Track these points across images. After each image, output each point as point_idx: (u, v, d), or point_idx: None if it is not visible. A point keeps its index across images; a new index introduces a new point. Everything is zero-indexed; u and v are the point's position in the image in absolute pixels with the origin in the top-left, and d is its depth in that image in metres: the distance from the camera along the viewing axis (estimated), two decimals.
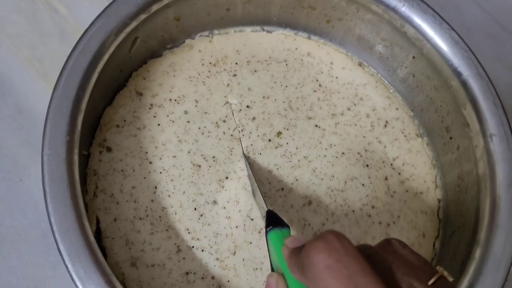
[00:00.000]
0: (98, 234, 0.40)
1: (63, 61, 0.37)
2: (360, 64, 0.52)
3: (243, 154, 0.44)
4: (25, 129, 0.46)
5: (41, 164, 0.34)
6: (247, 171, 0.43)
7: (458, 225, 0.43)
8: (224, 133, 0.45)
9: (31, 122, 0.46)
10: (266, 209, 0.37)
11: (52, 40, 0.49)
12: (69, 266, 0.32)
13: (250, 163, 0.43)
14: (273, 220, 0.35)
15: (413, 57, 0.48)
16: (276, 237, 0.33)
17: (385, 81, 0.51)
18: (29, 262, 0.42)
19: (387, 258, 0.28)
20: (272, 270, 0.33)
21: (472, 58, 0.43)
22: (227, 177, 0.43)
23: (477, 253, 0.38)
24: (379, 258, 0.28)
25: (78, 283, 0.32)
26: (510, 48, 0.59)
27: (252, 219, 0.42)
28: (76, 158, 0.35)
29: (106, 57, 0.39)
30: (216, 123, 0.45)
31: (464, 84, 0.43)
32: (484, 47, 0.57)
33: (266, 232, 0.34)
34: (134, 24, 0.40)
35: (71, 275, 0.32)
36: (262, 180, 0.44)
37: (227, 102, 0.46)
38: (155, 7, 0.42)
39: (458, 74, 0.43)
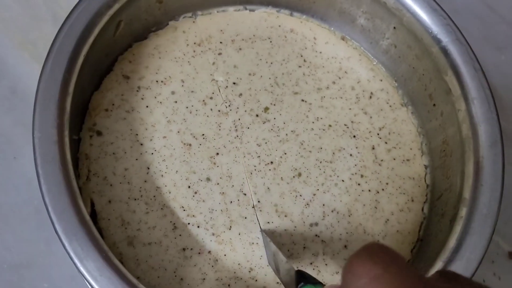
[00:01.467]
0: (93, 216, 0.40)
1: None
2: (343, 38, 0.52)
3: (260, 229, 0.42)
4: (19, 110, 0.47)
5: (33, 146, 0.34)
6: (264, 241, 0.42)
7: (445, 188, 0.44)
8: (211, 109, 0.46)
9: (25, 103, 0.47)
10: (295, 269, 0.35)
11: (45, 24, 0.51)
12: (66, 244, 0.32)
13: (268, 235, 0.42)
14: (304, 278, 0.33)
15: (394, 27, 0.48)
16: None
17: (368, 53, 0.52)
18: (23, 237, 0.43)
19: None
20: None
21: (450, 24, 0.44)
22: (217, 153, 0.44)
23: (464, 212, 0.39)
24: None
25: (76, 260, 0.32)
26: (498, 29, 0.60)
27: (245, 194, 0.43)
28: (67, 140, 0.36)
29: (91, 39, 0.39)
30: (203, 100, 0.46)
31: (444, 50, 0.44)
32: (472, 29, 0.58)
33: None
34: (116, 6, 0.41)
35: (68, 253, 0.33)
36: (252, 154, 0.45)
37: (213, 80, 0.47)
38: None
39: (438, 41, 0.44)
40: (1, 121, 0.47)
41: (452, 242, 0.38)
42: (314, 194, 0.44)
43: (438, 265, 0.37)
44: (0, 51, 0.49)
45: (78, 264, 0.32)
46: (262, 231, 0.42)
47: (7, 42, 0.49)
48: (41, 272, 0.43)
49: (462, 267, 0.37)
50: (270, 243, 0.40)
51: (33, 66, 0.49)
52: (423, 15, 0.44)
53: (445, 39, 0.44)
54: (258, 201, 0.43)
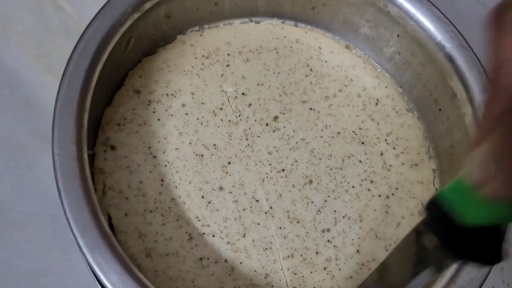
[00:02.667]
0: (111, 230, 0.41)
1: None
2: (347, 47, 0.53)
3: None
4: (33, 121, 0.48)
5: (53, 163, 0.35)
6: None
7: None
8: (221, 120, 0.47)
9: (39, 114, 0.48)
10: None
11: (58, 37, 0.52)
12: (90, 259, 0.33)
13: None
14: None
15: (398, 35, 0.49)
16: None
17: (373, 61, 0.53)
18: (38, 246, 0.44)
19: None
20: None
21: (454, 31, 0.45)
22: (229, 162, 0.45)
23: None
24: None
25: (99, 274, 0.33)
26: None
27: (258, 201, 0.44)
28: (86, 156, 0.37)
29: (104, 57, 0.40)
30: (213, 111, 0.47)
31: (449, 56, 0.45)
32: (475, 34, 0.59)
33: None
34: (128, 23, 0.42)
35: (92, 268, 0.33)
36: (263, 161, 0.46)
37: (222, 91, 0.48)
38: (147, 5, 0.43)
39: (442, 48, 0.45)
40: (16, 132, 0.48)
41: None
42: (325, 201, 0.45)
43: (452, 267, 0.38)
44: (15, 64, 0.50)
45: (102, 277, 0.33)
46: None
47: (21, 54, 0.50)
48: (57, 280, 0.43)
49: (473, 272, 0.37)
50: None
51: (47, 77, 0.50)
52: (427, 22, 0.46)
53: (449, 45, 0.45)
54: (270, 207, 0.44)
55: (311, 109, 0.49)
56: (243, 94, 0.48)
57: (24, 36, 0.51)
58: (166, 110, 0.46)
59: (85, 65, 0.38)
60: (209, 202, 0.43)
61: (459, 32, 0.45)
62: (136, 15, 0.42)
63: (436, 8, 0.46)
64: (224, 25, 0.52)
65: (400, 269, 0.31)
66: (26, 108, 0.49)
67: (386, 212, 0.46)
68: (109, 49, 0.40)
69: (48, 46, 0.51)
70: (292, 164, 0.46)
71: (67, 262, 0.44)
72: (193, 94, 0.48)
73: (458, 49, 0.45)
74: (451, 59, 0.45)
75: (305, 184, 0.45)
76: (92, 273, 0.35)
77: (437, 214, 0.25)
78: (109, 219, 0.41)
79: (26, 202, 0.45)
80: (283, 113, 0.48)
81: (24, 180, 0.46)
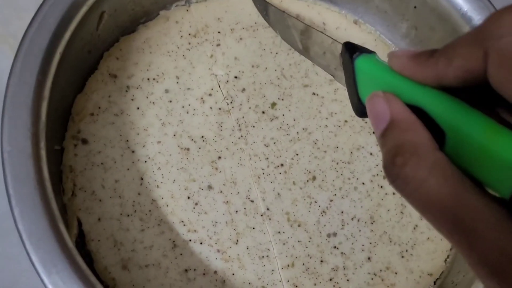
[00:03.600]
0: (81, 238, 0.36)
1: None
2: (355, 22, 0.47)
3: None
4: None
5: (1, 163, 0.29)
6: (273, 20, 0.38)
7: None
8: (211, 108, 0.40)
9: None
10: (342, 43, 0.30)
11: (27, 14, 0.45)
12: (44, 279, 0.27)
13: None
14: (354, 48, 0.29)
15: (415, 7, 0.43)
16: (369, 61, 0.27)
17: (385, 38, 0.47)
18: (3, 254, 0.39)
19: None
20: (358, 103, 0.27)
21: (483, 0, 0.38)
22: (219, 157, 0.39)
23: None
24: None
25: None
26: None
27: (252, 201, 0.38)
28: (43, 153, 0.31)
29: (67, 35, 0.34)
30: (201, 98, 0.41)
31: None
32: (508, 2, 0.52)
33: (352, 60, 0.28)
34: None
35: None
36: (259, 155, 0.39)
37: (212, 74, 0.42)
38: None
39: (468, 20, 0.39)
40: None
41: None
42: (331, 200, 0.39)
43: None
44: None
45: None
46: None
47: None
48: None
49: None
50: (293, 20, 0.35)
51: None
52: None
53: (477, 17, 0.38)
54: (267, 209, 0.38)
55: (314, 94, 0.42)
56: (235, 77, 0.42)
57: None
58: (147, 97, 0.40)
59: (43, 45, 0.32)
60: (196, 204, 0.38)
61: (489, 1, 0.38)
62: None
63: None
64: None
65: None
66: None
67: (402, 213, 0.40)
68: (74, 25, 0.34)
69: (16, 24, 0.46)
70: (292, 158, 0.40)
71: (36, 273, 0.39)
72: (178, 78, 0.41)
73: None
74: None
75: (307, 181, 0.39)
76: None
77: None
78: (79, 225, 0.36)
79: None
80: (282, 99, 0.42)
81: None
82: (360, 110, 0.27)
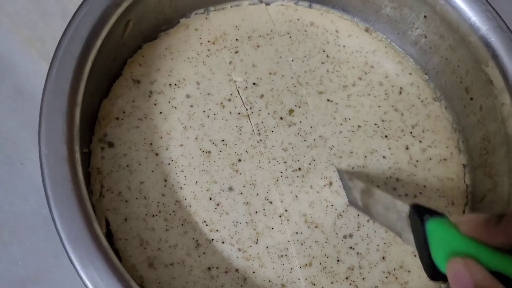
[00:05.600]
0: (109, 236, 0.37)
1: None
2: (367, 30, 0.49)
3: (337, 170, 0.40)
4: (26, 111, 0.44)
5: (40, 165, 0.31)
6: (343, 183, 0.40)
7: (488, 188, 0.41)
8: (230, 112, 0.42)
9: (32, 104, 0.44)
10: (409, 204, 0.31)
11: (53, 19, 0.48)
12: (83, 275, 0.29)
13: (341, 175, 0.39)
14: (423, 211, 0.29)
15: (425, 16, 0.44)
16: (441, 225, 0.27)
17: (395, 45, 0.48)
18: (31, 249, 0.40)
19: None
20: (431, 265, 0.27)
21: (490, 11, 0.40)
22: (239, 160, 0.41)
23: None
24: None
25: None
26: None
27: (271, 202, 0.40)
28: (78, 156, 0.32)
29: (98, 43, 0.36)
30: (221, 103, 0.42)
31: (484, 39, 0.40)
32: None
33: (423, 223, 0.28)
34: (125, 4, 0.37)
35: (86, 285, 0.29)
36: (277, 159, 0.41)
37: (231, 80, 0.43)
38: None
39: (476, 30, 0.40)
40: (6, 124, 0.44)
41: None
42: (347, 205, 0.40)
43: None
44: (6, 48, 0.46)
45: None
46: (338, 170, 0.39)
47: (13, 38, 0.46)
48: (50, 287, 0.40)
49: None
50: (354, 181, 0.35)
51: (41, 64, 0.46)
52: (459, 1, 0.41)
53: (484, 27, 0.40)
54: (286, 210, 0.40)
55: (328, 100, 0.44)
56: (254, 84, 0.44)
57: (16, 18, 0.47)
58: (169, 102, 0.42)
59: (76, 53, 0.34)
60: (218, 205, 0.39)
61: (497, 12, 0.40)
62: None
63: None
64: (231, 7, 0.47)
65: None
66: (17, 97, 0.45)
67: None
68: (104, 34, 0.36)
69: (42, 29, 0.47)
70: (309, 163, 0.41)
71: (61, 267, 0.40)
72: (198, 84, 0.43)
73: (495, 31, 0.40)
74: (487, 43, 0.40)
75: (324, 185, 0.41)
76: None
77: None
78: (107, 224, 0.37)
79: (17, 201, 0.42)
80: (299, 106, 0.43)
81: (16, 177, 0.42)
82: (433, 272, 0.27)
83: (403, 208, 0.31)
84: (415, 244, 0.29)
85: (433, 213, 0.28)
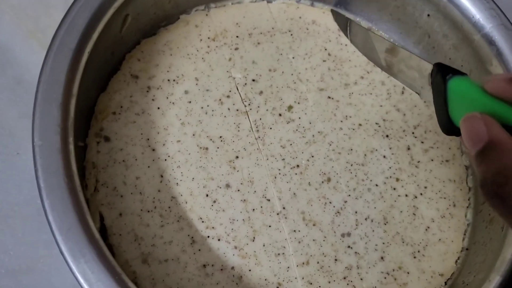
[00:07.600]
0: (103, 232, 0.37)
1: None
2: (369, 29, 0.48)
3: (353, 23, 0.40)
4: (24, 101, 0.44)
5: (33, 156, 0.30)
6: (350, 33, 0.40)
7: None
8: (229, 109, 0.42)
9: (31, 95, 0.43)
10: (433, 63, 0.32)
11: (56, 11, 0.47)
12: (73, 268, 0.28)
13: None
14: (447, 69, 0.29)
15: (428, 15, 0.44)
16: (463, 83, 0.28)
17: (398, 44, 0.48)
18: (23, 240, 0.40)
19: None
20: (447, 121, 0.29)
21: (494, 8, 0.39)
22: (237, 157, 0.40)
23: None
24: None
25: (85, 285, 0.29)
26: None
27: (269, 200, 0.39)
28: (71, 147, 0.32)
29: (95, 36, 0.35)
30: (220, 99, 0.42)
31: (488, 38, 0.39)
32: None
33: (445, 80, 0.28)
34: None
35: (77, 278, 0.29)
36: (275, 156, 0.40)
37: (230, 77, 0.43)
38: None
39: (480, 28, 0.40)
40: (4, 113, 0.43)
41: (509, 252, 0.34)
42: (345, 201, 0.40)
43: (495, 279, 0.33)
44: (7, 39, 0.46)
45: None
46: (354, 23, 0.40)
47: (15, 29, 0.46)
48: (41, 278, 0.39)
49: None
50: (371, 35, 0.37)
51: (42, 55, 0.45)
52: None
53: (488, 25, 0.39)
54: (283, 208, 0.39)
55: (329, 97, 0.44)
56: (253, 80, 0.43)
57: (18, 9, 0.47)
58: (167, 98, 0.42)
59: (72, 44, 0.34)
60: (214, 201, 0.39)
61: (501, 10, 0.39)
62: None
63: None
64: (232, 4, 0.47)
65: None
66: (17, 88, 0.44)
67: (414, 214, 0.40)
68: (101, 26, 0.36)
69: (44, 21, 0.47)
70: (308, 160, 0.41)
71: (53, 258, 0.40)
72: (197, 80, 0.43)
73: (499, 30, 0.39)
74: (491, 41, 0.39)
75: (322, 182, 0.40)
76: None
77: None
78: (101, 219, 0.37)
79: (11, 191, 0.41)
80: (298, 103, 0.43)
81: (11, 167, 0.42)
82: (448, 128, 0.28)
83: (427, 66, 0.32)
84: (433, 100, 0.30)
85: (457, 72, 0.29)
